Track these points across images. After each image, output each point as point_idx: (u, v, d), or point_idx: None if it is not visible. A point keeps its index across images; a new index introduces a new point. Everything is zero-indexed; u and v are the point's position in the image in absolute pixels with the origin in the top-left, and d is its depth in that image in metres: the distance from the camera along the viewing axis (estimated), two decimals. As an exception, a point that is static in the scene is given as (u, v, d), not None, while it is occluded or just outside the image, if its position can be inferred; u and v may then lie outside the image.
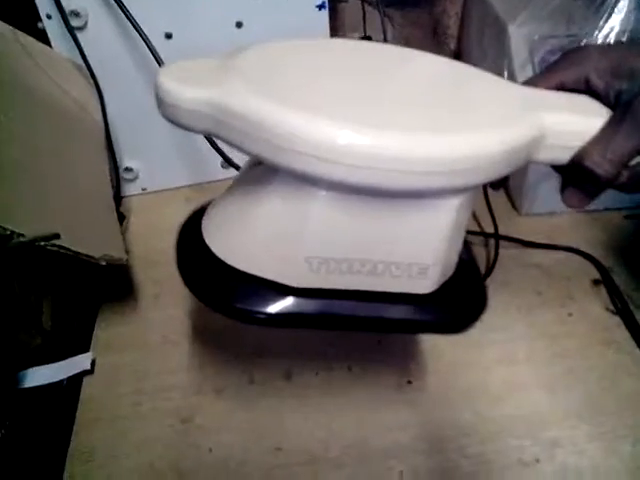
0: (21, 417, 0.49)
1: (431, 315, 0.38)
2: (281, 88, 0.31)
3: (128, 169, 0.71)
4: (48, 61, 0.59)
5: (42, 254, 0.43)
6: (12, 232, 0.40)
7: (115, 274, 0.61)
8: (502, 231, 0.63)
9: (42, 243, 0.42)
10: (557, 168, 0.38)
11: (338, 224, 0.33)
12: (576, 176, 0.36)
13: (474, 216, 0.66)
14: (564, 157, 0.35)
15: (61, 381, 0.52)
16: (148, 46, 0.59)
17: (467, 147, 0.30)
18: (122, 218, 0.68)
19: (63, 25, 0.58)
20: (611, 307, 0.58)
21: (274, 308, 0.36)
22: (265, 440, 0.48)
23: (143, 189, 0.74)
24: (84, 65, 0.61)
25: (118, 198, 0.71)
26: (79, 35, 0.59)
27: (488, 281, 0.59)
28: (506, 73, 0.64)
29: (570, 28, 0.61)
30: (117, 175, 0.70)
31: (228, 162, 0.67)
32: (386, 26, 0.71)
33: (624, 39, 0.59)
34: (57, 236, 0.43)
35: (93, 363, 0.54)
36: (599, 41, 0.59)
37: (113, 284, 0.61)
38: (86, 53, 0.61)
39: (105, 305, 0.59)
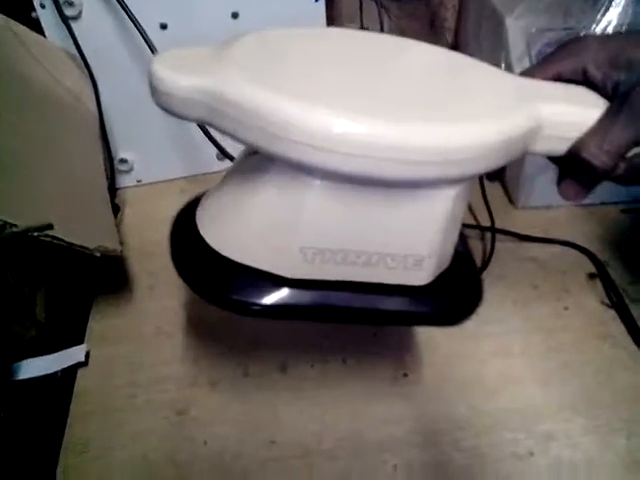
0: (15, 409, 0.49)
1: (427, 307, 0.37)
2: (276, 76, 0.31)
3: (123, 160, 0.70)
4: (42, 50, 0.58)
5: (36, 245, 0.43)
6: (5, 222, 0.40)
7: (110, 265, 0.60)
8: (498, 224, 0.63)
9: (35, 234, 0.42)
10: (554, 159, 0.38)
11: (333, 214, 0.33)
12: (573, 168, 0.36)
13: (470, 209, 0.66)
14: (561, 148, 0.35)
15: (55, 373, 0.51)
16: (143, 36, 0.58)
17: (463, 136, 0.30)
18: (117, 210, 0.68)
19: (57, 14, 0.58)
20: (607, 301, 0.58)
21: (269, 299, 0.35)
22: (260, 433, 0.48)
23: (138, 181, 0.73)
24: (78, 55, 0.61)
25: (113, 190, 0.71)
26: (73, 25, 0.59)
27: (484, 274, 0.59)
28: (503, 66, 0.64)
29: (567, 21, 0.61)
30: (112, 166, 0.70)
31: (223, 153, 0.66)
32: (383, 18, 0.71)
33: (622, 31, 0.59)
34: (50, 226, 0.43)
35: (87, 355, 0.53)
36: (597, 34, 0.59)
37: (108, 276, 0.61)
38: (80, 43, 0.60)
39: (99, 297, 0.59)
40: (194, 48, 0.33)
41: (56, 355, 0.52)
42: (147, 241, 0.63)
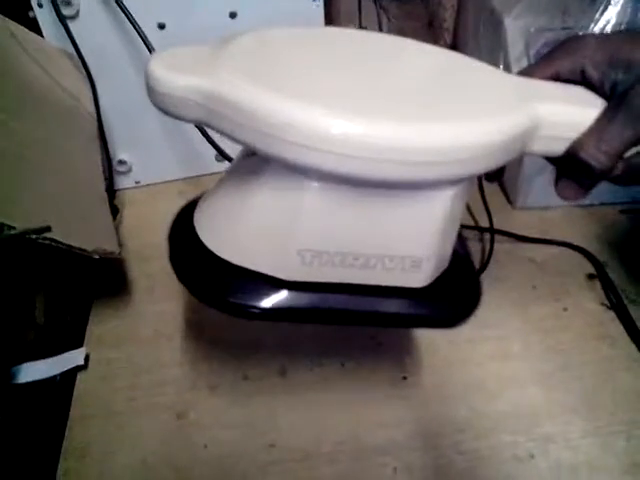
0: (14, 413, 0.49)
1: (425, 309, 0.37)
2: (273, 76, 0.31)
3: (121, 162, 0.70)
4: (39, 51, 0.58)
5: (34, 248, 0.43)
6: (2, 224, 0.40)
7: (108, 268, 0.60)
8: (497, 225, 0.63)
9: (33, 236, 0.42)
10: (552, 160, 0.37)
11: (330, 216, 0.33)
12: (571, 168, 0.36)
13: (469, 210, 0.66)
14: (559, 148, 0.34)
15: (54, 377, 0.51)
16: (141, 36, 0.58)
17: (462, 136, 0.30)
18: (116, 211, 0.68)
19: (54, 14, 0.57)
20: (606, 302, 0.58)
21: (267, 302, 0.35)
22: (259, 436, 0.48)
23: (137, 182, 0.73)
24: (76, 55, 0.61)
25: (112, 191, 0.71)
26: (71, 24, 0.59)
27: (483, 275, 0.59)
28: (502, 66, 0.64)
29: (566, 21, 0.61)
30: (110, 168, 0.70)
31: (222, 154, 0.66)
32: (381, 18, 0.71)
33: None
34: (48, 229, 0.43)
35: (87, 358, 0.53)
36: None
37: (106, 278, 0.61)
38: (78, 43, 0.60)
39: (99, 300, 0.59)
40: (191, 47, 0.32)
41: (55, 359, 0.52)
42: (146, 243, 0.63)
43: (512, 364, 0.53)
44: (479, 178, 0.54)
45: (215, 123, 0.30)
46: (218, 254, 0.36)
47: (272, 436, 0.48)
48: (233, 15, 0.62)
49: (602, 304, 0.58)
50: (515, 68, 0.61)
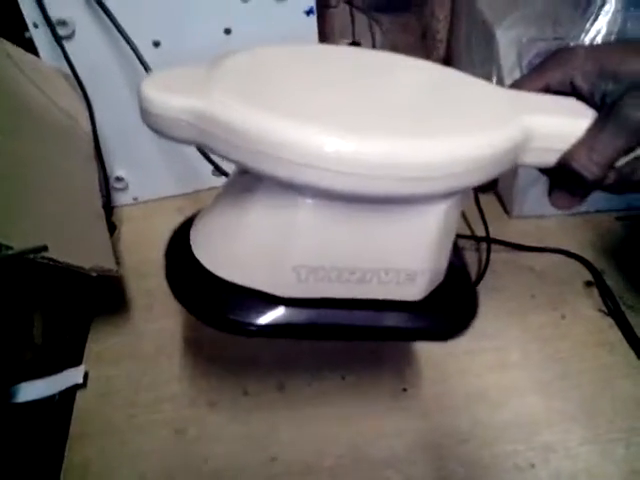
0: (14, 433, 0.49)
1: (421, 322, 0.37)
2: (266, 95, 0.31)
3: (119, 178, 0.71)
4: (36, 71, 0.58)
5: (32, 267, 0.43)
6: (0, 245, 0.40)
7: (107, 285, 0.60)
8: (493, 234, 0.63)
9: (31, 255, 0.42)
10: (544, 171, 0.38)
11: (324, 232, 0.33)
12: (563, 178, 0.36)
13: (465, 219, 0.66)
14: (551, 160, 0.35)
15: (53, 395, 0.51)
16: (136, 54, 0.58)
17: (453, 151, 0.30)
18: (113, 228, 0.68)
19: (50, 34, 0.58)
20: (603, 308, 0.58)
21: (264, 319, 0.35)
22: (260, 451, 0.48)
23: (134, 199, 0.73)
24: (72, 74, 0.61)
25: (109, 208, 0.71)
26: (66, 44, 0.59)
27: (480, 285, 0.59)
28: (495, 76, 0.64)
29: (557, 31, 0.61)
30: (107, 185, 0.70)
31: (218, 170, 0.67)
32: (375, 31, 0.72)
33: (611, 40, 0.59)
34: (45, 248, 0.43)
35: (86, 376, 0.53)
36: (587, 43, 0.59)
37: (105, 296, 0.61)
38: (74, 62, 0.60)
39: (97, 317, 0.59)
40: (183, 68, 0.33)
41: (54, 377, 0.52)
42: (144, 260, 0.63)
43: (511, 374, 0.53)
44: (474, 188, 0.55)
45: (208, 144, 0.31)
46: (214, 272, 0.36)
47: (273, 450, 0.48)
48: (228, 31, 0.63)
49: (600, 310, 0.58)
50: (508, 78, 0.62)
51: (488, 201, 0.68)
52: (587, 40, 0.59)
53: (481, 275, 0.60)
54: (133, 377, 0.54)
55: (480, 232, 0.64)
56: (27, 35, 0.59)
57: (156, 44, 0.62)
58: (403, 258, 0.35)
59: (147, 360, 0.55)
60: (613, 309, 0.57)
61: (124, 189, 0.72)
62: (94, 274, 0.47)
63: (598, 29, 0.59)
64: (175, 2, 0.59)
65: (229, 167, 0.66)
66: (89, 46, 0.60)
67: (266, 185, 0.32)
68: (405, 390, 0.52)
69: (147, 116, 0.31)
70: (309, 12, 0.64)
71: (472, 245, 0.65)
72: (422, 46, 0.84)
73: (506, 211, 0.70)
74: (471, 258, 0.63)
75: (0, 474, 0.46)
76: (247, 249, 0.34)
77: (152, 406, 0.51)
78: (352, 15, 0.77)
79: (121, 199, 0.73)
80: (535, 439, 0.48)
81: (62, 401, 0.51)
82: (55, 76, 0.61)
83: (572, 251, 0.64)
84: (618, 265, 0.62)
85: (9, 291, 0.49)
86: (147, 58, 0.59)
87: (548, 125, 0.34)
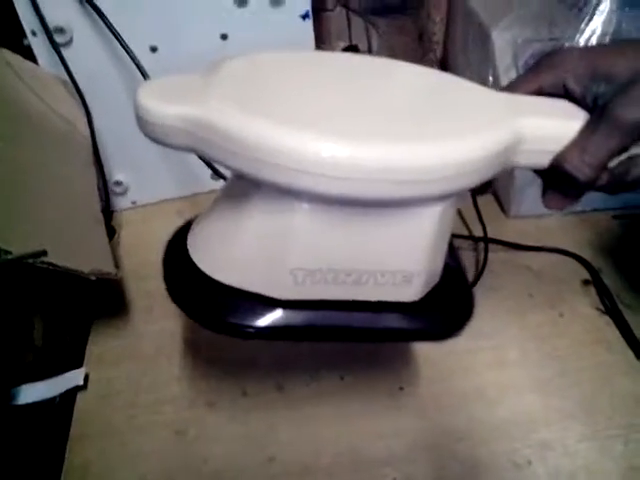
0: (14, 434, 0.49)
1: (417, 323, 0.38)
2: (263, 102, 0.31)
3: (118, 182, 0.71)
4: (34, 78, 0.59)
5: (32, 270, 0.43)
6: (-1, 250, 0.41)
7: (107, 288, 0.61)
8: (491, 234, 0.63)
9: (30, 260, 0.43)
10: (538, 172, 0.38)
11: (321, 236, 0.33)
12: (556, 180, 0.37)
13: (462, 219, 0.67)
14: (544, 161, 0.35)
15: (54, 397, 0.52)
16: (133, 60, 0.59)
17: (447, 154, 0.30)
18: (113, 232, 0.68)
19: (48, 42, 0.58)
20: (601, 307, 0.58)
21: (262, 322, 0.36)
22: (259, 450, 0.48)
23: (133, 202, 0.74)
24: (70, 81, 0.61)
25: (108, 212, 0.71)
26: (64, 51, 0.59)
27: (478, 285, 0.59)
28: (491, 78, 0.64)
29: (553, 31, 0.62)
30: (106, 189, 0.70)
31: (217, 174, 0.67)
32: (371, 34, 0.72)
33: (606, 41, 0.59)
34: (44, 253, 0.43)
35: (86, 378, 0.53)
36: (582, 44, 0.60)
37: (105, 298, 0.61)
38: (72, 69, 0.61)
39: (98, 319, 0.59)
40: (179, 75, 0.33)
41: (55, 379, 0.52)
42: (144, 262, 0.63)
43: (509, 372, 0.53)
44: (470, 190, 0.55)
45: (205, 151, 0.31)
46: (212, 276, 0.36)
47: (271, 450, 0.48)
48: (224, 37, 0.63)
49: (597, 309, 0.58)
50: (504, 79, 0.62)
51: (485, 201, 0.69)
52: (582, 40, 0.60)
53: (479, 275, 0.61)
54: (133, 378, 0.54)
55: (478, 232, 0.64)
56: (25, 43, 0.59)
57: (153, 49, 0.62)
58: (399, 260, 0.35)
59: (147, 361, 0.55)
60: (610, 307, 0.58)
61: (123, 193, 0.72)
62: (93, 278, 0.48)
63: (593, 29, 0.60)
64: (171, 8, 0.60)
65: (227, 170, 0.66)
66: (87, 53, 0.61)
67: (263, 190, 0.32)
68: (403, 389, 0.52)
69: (144, 124, 0.31)
70: (305, 16, 0.64)
71: (470, 245, 0.65)
72: (419, 48, 0.85)
73: (503, 211, 0.70)
74: (469, 258, 0.63)
75: (1, 475, 0.46)
76: (244, 252, 0.35)
77: (152, 407, 0.52)
78: (348, 18, 0.78)
79: (120, 203, 0.73)
80: (533, 437, 0.48)
81: (63, 403, 0.52)
82: (53, 83, 0.61)
83: (569, 250, 0.64)
84: (615, 264, 0.62)
85: (9, 294, 0.49)
86: (144, 64, 0.59)
87: (541, 127, 0.34)
